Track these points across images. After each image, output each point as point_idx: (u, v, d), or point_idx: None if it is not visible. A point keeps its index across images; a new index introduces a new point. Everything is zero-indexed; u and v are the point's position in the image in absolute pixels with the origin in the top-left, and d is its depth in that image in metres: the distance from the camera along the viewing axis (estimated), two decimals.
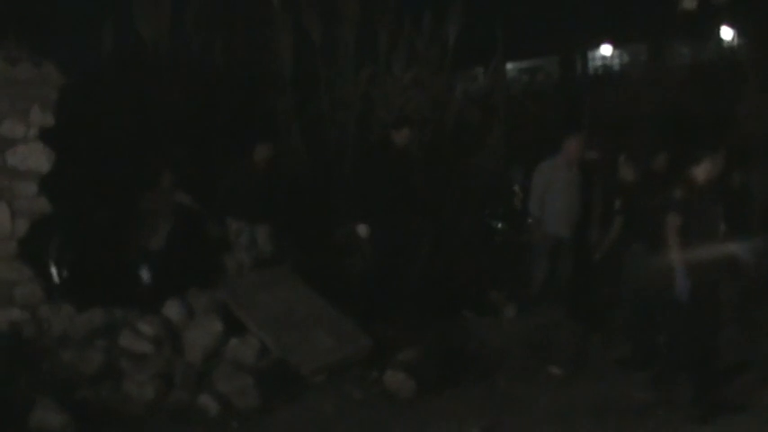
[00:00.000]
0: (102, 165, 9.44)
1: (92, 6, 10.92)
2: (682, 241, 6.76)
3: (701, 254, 6.77)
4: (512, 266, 10.11)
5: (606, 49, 25.29)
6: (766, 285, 8.89)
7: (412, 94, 9.38)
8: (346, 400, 7.00)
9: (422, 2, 10.03)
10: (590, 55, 25.00)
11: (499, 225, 11.41)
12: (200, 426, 6.55)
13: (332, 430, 6.57)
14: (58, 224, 8.25)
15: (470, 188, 10.07)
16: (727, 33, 21.62)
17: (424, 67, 9.58)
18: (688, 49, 21.79)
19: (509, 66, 25.77)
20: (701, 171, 6.94)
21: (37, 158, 7.57)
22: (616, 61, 24.23)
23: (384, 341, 7.75)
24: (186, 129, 10.07)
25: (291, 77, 10.21)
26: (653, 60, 20.32)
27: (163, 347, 7.36)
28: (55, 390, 6.64)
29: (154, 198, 9.38)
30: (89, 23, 10.67)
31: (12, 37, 7.67)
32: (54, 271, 8.49)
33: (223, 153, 9.91)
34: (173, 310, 7.72)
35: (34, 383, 6.72)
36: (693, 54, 21.26)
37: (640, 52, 22.32)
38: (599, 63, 24.80)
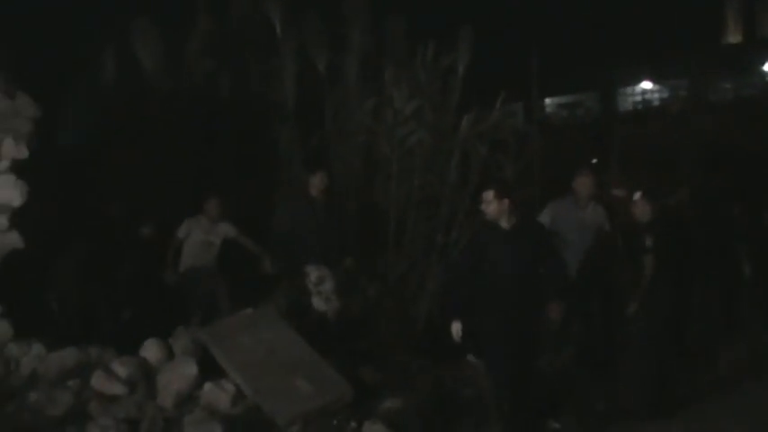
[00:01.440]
0: (94, 196, 9.17)
1: (91, 36, 10.73)
2: None
3: None
4: None
5: (646, 84, 24.73)
6: None
7: (413, 127, 8.94)
8: None
9: (431, 34, 9.59)
10: (629, 90, 24.46)
11: None
12: None
13: None
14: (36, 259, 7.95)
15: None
16: None
17: (428, 100, 9.12)
18: (730, 84, 21.17)
19: (548, 101, 25.53)
20: None
21: (8, 191, 7.29)
22: (656, 96, 23.68)
23: (371, 388, 7.28)
24: (189, 159, 9.80)
25: (295, 107, 9.85)
26: (693, 95, 19.80)
27: (136, 390, 6.97)
28: None
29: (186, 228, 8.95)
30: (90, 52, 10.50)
31: None
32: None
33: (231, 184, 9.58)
34: (151, 350, 7.35)
35: None
36: (736, 89, 20.63)
37: (680, 87, 21.79)
38: (638, 98, 24.23)
